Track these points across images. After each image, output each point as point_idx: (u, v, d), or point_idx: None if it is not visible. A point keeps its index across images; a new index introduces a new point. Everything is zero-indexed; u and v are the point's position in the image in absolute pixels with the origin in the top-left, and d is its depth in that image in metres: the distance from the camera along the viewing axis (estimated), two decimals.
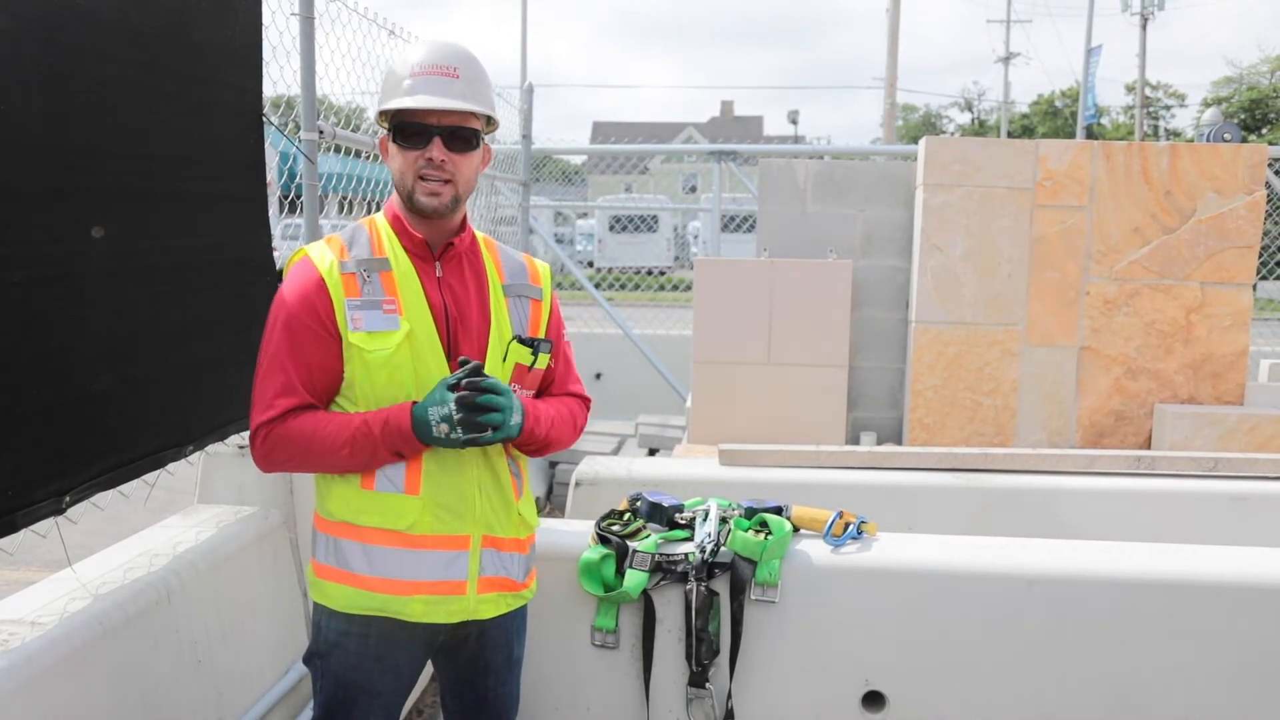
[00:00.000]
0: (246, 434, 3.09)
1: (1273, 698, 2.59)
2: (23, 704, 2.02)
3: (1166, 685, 2.60)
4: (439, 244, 2.19)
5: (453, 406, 1.99)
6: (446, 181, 2.11)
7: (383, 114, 2.17)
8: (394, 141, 2.13)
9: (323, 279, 2.10)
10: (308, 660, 2.25)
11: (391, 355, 2.08)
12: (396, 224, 2.19)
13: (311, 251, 2.16)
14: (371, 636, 2.14)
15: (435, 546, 2.11)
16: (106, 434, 2.37)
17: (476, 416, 2.01)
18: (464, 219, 2.23)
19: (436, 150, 2.09)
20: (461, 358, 2.09)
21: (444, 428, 2.00)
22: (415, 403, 2.05)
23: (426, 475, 2.10)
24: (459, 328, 2.15)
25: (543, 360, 2.25)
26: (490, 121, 2.20)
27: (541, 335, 2.28)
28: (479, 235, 2.30)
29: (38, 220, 2.10)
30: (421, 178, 2.10)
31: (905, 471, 3.98)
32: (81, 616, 2.27)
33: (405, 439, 2.03)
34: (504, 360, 2.18)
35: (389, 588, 2.09)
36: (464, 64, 2.14)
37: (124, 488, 2.50)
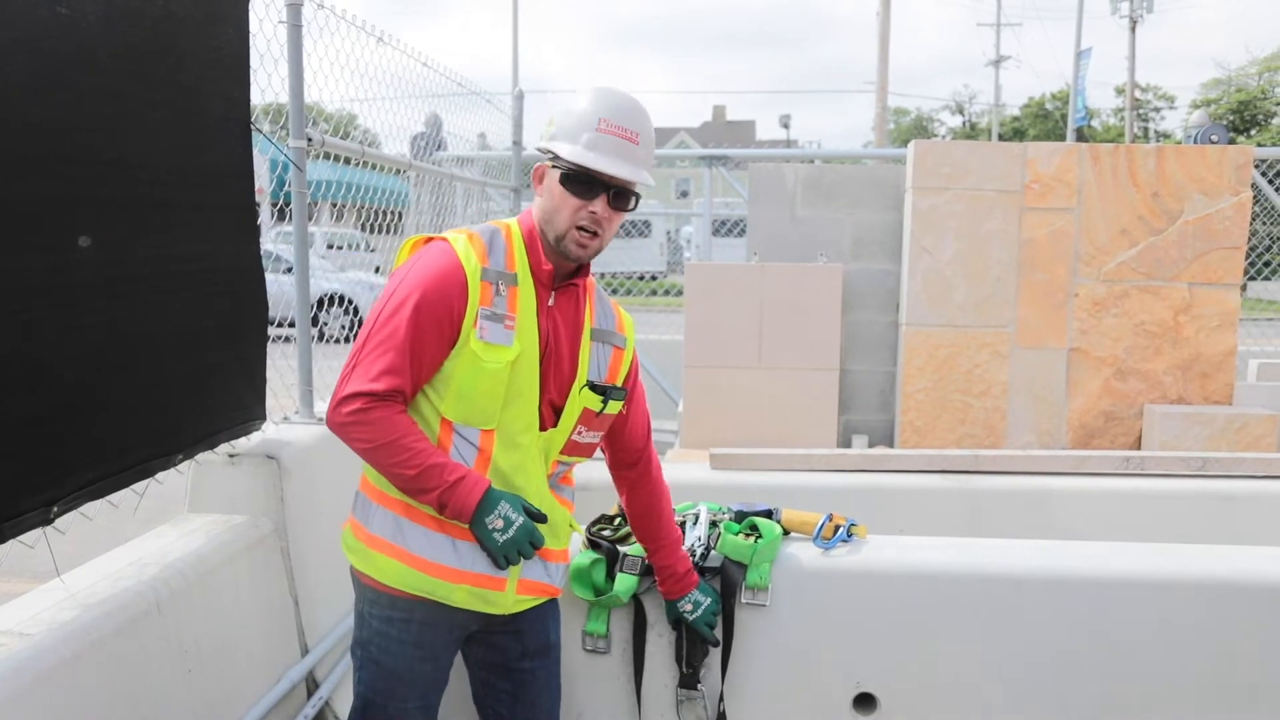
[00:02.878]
0: (235, 442, 3.12)
1: (1263, 696, 2.60)
2: (11, 716, 2.02)
3: (1156, 684, 2.61)
4: (560, 276, 2.25)
5: (517, 530, 2.14)
6: (595, 235, 2.17)
7: (553, 153, 2.18)
8: (561, 184, 2.15)
9: (468, 280, 2.12)
10: (352, 649, 2.31)
11: (500, 370, 2.14)
12: (531, 245, 2.22)
13: (458, 245, 2.15)
14: (414, 623, 2.20)
15: None
16: (95, 444, 2.37)
17: (525, 547, 2.16)
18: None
19: (601, 206, 2.15)
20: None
21: (498, 530, 2.13)
22: (493, 488, 2.14)
23: (493, 475, 2.18)
24: (551, 361, 2.23)
25: (613, 407, 2.32)
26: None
27: (619, 384, 2.34)
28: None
29: (25, 230, 2.10)
30: (579, 227, 2.15)
31: (896, 474, 3.98)
32: (71, 627, 2.27)
33: (464, 507, 2.11)
34: (577, 395, 2.27)
35: (439, 573, 2.16)
36: (644, 130, 2.19)
37: (113, 497, 2.49)
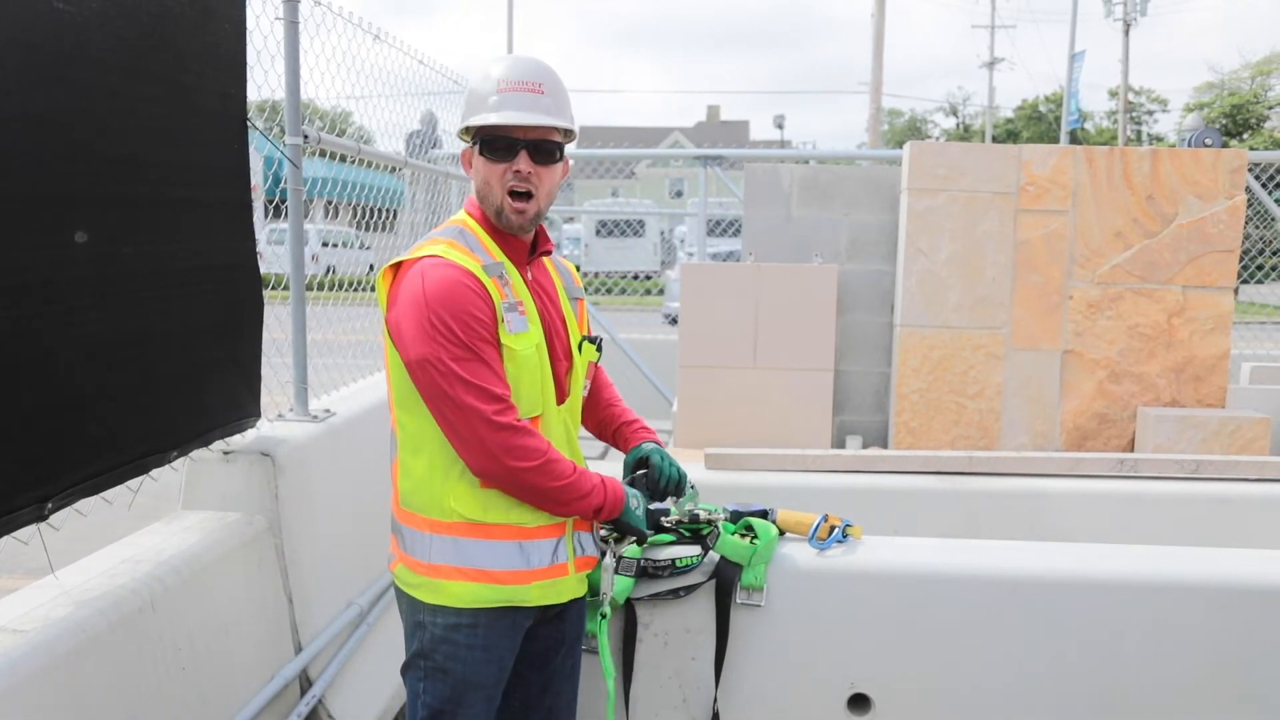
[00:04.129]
0: (230, 439, 3.11)
1: (1255, 698, 2.60)
2: (4, 712, 2.01)
3: (1150, 686, 2.62)
4: (530, 251, 2.31)
5: (639, 500, 2.42)
6: (530, 197, 2.20)
7: (466, 129, 2.24)
8: (480, 154, 2.21)
9: (483, 282, 2.14)
10: (409, 665, 2.28)
11: (532, 355, 2.20)
12: (494, 231, 2.26)
13: (449, 254, 2.16)
14: (480, 627, 2.22)
15: (544, 535, 2.25)
16: (89, 440, 2.36)
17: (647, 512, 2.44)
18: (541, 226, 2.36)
19: (523, 163, 2.18)
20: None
21: (637, 508, 2.40)
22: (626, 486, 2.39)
23: None
24: (551, 330, 2.29)
25: (597, 355, 2.46)
26: (568, 134, 2.28)
27: (590, 331, 2.49)
28: None
29: (19, 226, 2.09)
30: (510, 192, 2.19)
31: (891, 475, 3.99)
32: (64, 624, 2.26)
33: (618, 500, 2.31)
34: (579, 354, 2.38)
35: (513, 579, 2.21)
36: (547, 79, 2.23)
37: (108, 494, 2.49)
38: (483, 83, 2.22)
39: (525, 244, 2.29)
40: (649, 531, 2.46)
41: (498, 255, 2.23)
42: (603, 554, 2.58)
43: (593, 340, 2.43)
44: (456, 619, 2.21)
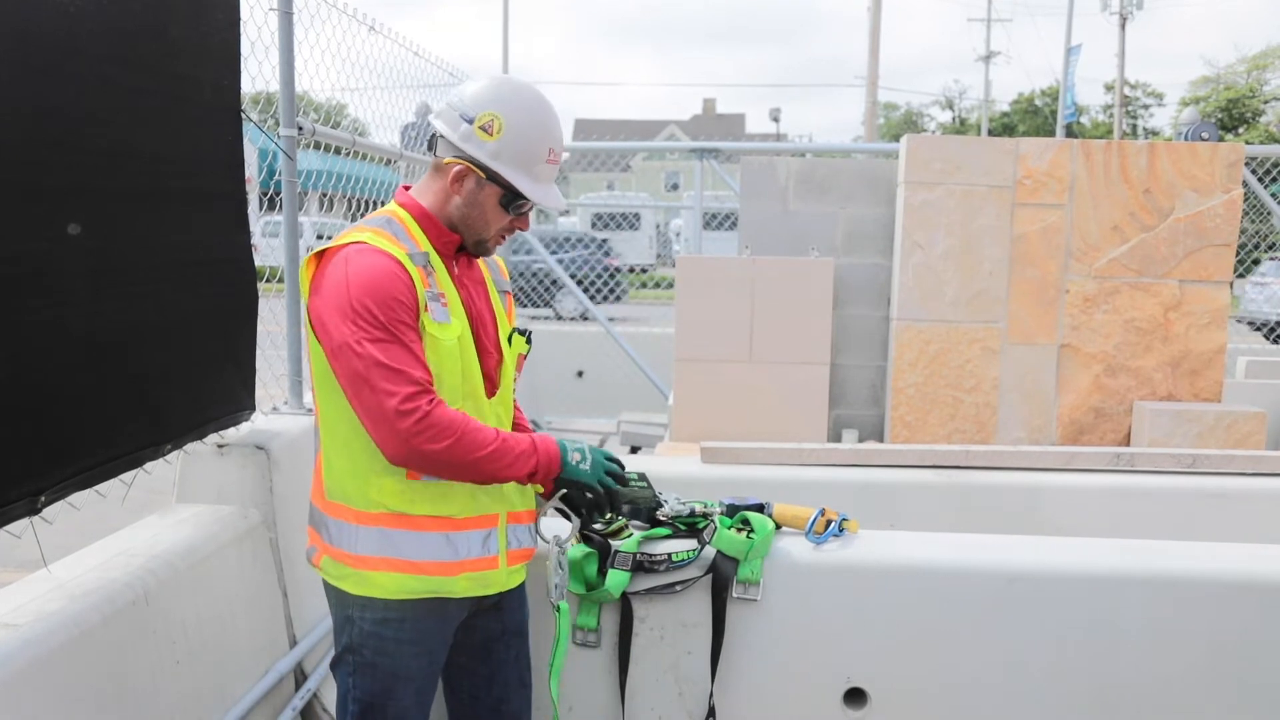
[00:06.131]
0: (224, 432, 3.10)
1: (1251, 693, 2.61)
2: None
3: (1147, 681, 2.62)
4: (459, 245, 2.31)
5: (591, 452, 2.32)
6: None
7: (492, 175, 2.19)
8: (502, 204, 2.23)
9: (407, 268, 2.12)
10: (339, 659, 2.28)
11: (454, 346, 2.19)
12: (428, 224, 2.25)
13: (375, 241, 2.14)
14: (408, 621, 2.21)
15: (474, 526, 2.24)
16: (83, 433, 2.35)
17: (606, 464, 2.35)
18: None
19: (525, 223, 2.31)
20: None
21: (582, 462, 2.29)
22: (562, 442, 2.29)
23: None
24: (479, 324, 2.29)
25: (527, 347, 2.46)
26: None
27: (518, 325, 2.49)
28: None
29: (12, 217, 2.07)
30: (498, 237, 2.30)
31: (887, 469, 3.99)
32: (58, 618, 2.25)
33: (551, 459, 2.23)
34: (509, 347, 2.39)
35: (440, 570, 2.20)
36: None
37: (101, 487, 2.47)
38: (534, 142, 2.21)
39: (456, 239, 2.27)
40: (599, 487, 2.30)
41: (424, 245, 2.21)
42: (593, 539, 2.57)
43: (522, 333, 2.44)
44: (384, 613, 2.20)
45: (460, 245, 2.28)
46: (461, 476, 2.14)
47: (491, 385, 2.31)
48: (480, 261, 2.40)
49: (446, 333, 2.17)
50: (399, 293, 2.07)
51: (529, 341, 2.45)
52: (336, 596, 2.26)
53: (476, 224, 2.24)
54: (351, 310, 2.04)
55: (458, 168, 2.19)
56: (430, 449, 2.04)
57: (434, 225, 2.24)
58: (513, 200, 2.22)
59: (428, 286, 2.15)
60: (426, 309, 2.13)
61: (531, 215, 2.34)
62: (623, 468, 2.42)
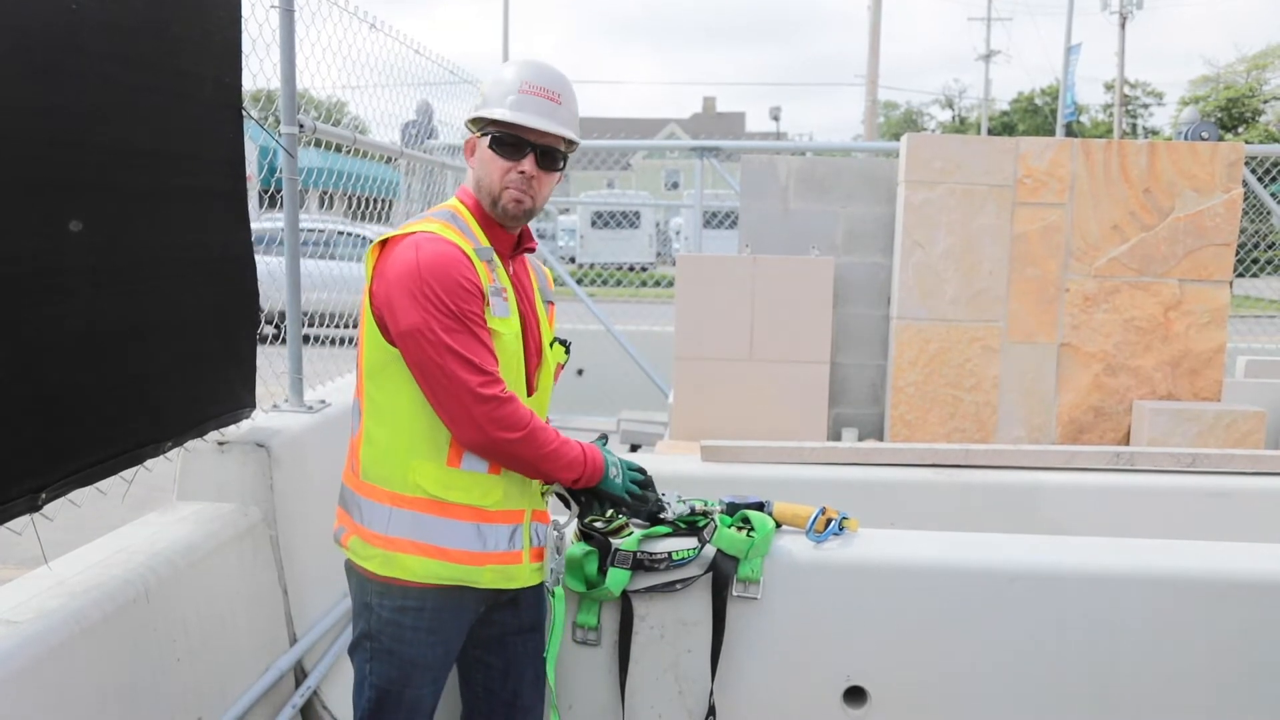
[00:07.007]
0: (225, 430, 3.10)
1: (1252, 691, 2.61)
2: None
3: (1147, 680, 2.62)
4: (515, 246, 2.38)
5: (620, 466, 2.45)
6: (528, 193, 2.27)
7: (476, 120, 2.30)
8: (490, 148, 2.26)
9: (472, 261, 2.19)
10: (356, 645, 2.32)
11: (514, 340, 2.27)
12: (485, 220, 2.32)
13: (443, 232, 2.21)
14: (426, 610, 2.25)
15: (502, 520, 2.29)
16: (84, 430, 2.35)
17: (628, 481, 2.47)
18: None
19: (529, 164, 2.25)
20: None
21: (616, 476, 2.42)
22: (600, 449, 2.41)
23: None
24: (527, 325, 2.35)
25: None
26: (571, 145, 2.35)
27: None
28: None
29: (13, 215, 2.07)
30: (506, 186, 2.26)
31: (887, 468, 3.99)
32: (58, 615, 2.25)
33: (597, 466, 2.35)
34: (550, 351, 2.45)
35: (468, 559, 2.24)
36: (565, 92, 2.31)
37: (102, 484, 2.47)
38: (504, 79, 2.28)
39: (512, 238, 2.35)
40: (626, 496, 2.45)
41: (485, 243, 2.29)
42: (594, 537, 2.58)
43: (562, 342, 2.51)
44: (403, 600, 2.24)
45: (516, 244, 2.35)
46: (517, 467, 2.24)
47: (530, 387, 2.37)
48: (530, 269, 2.46)
49: (507, 327, 2.25)
50: (468, 283, 2.15)
51: (567, 351, 2.52)
52: (357, 580, 2.30)
53: (486, 182, 2.28)
54: (423, 295, 2.11)
55: (468, 139, 2.33)
56: (504, 437, 2.14)
57: (486, 218, 2.31)
58: (500, 139, 2.25)
59: (491, 281, 2.22)
60: (489, 303, 2.20)
61: (539, 198, 2.31)
62: (646, 475, 2.52)
